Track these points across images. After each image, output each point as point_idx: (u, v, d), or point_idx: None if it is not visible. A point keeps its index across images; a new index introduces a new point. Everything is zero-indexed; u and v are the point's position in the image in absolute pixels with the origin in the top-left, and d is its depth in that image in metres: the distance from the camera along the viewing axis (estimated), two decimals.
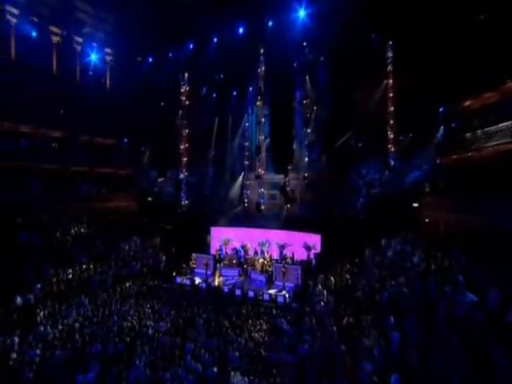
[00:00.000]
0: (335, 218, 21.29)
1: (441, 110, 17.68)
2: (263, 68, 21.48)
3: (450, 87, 15.08)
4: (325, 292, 14.33)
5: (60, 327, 12.09)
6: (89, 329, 11.87)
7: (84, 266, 17.42)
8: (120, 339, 11.07)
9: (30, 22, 25.28)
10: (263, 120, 21.11)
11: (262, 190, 21.70)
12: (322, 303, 13.21)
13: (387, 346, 8.92)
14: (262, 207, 20.91)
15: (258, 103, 21.72)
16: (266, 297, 15.99)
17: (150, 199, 26.69)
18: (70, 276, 16.53)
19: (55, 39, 27.34)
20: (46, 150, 22.94)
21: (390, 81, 20.75)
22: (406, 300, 10.45)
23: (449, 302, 8.84)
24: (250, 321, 12.67)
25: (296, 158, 23.00)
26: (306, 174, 22.16)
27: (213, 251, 22.77)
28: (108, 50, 29.75)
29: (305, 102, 22.16)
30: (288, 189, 20.16)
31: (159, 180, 27.76)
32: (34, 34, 25.51)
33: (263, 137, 20.83)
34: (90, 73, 28.16)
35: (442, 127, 17.70)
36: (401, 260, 13.84)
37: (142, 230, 22.52)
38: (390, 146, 20.68)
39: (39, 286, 15.23)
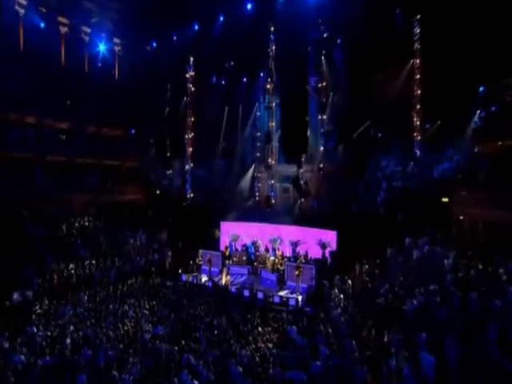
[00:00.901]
0: (352, 214, 19.51)
1: (480, 90, 15.34)
2: (274, 47, 19.51)
3: (490, 64, 12.84)
4: (341, 296, 12.67)
5: (52, 328, 11.02)
6: (82, 331, 10.73)
7: (87, 262, 16.43)
8: (112, 345, 9.84)
9: (38, 12, 24.52)
10: (274, 105, 19.12)
11: (273, 181, 19.90)
12: (339, 310, 11.55)
13: (419, 370, 7.23)
14: (273, 201, 19.21)
15: (269, 86, 19.79)
16: (277, 299, 14.50)
17: (158, 192, 25.56)
18: (72, 271, 15.56)
19: (63, 30, 26.54)
20: (52, 142, 22.12)
21: (417, 60, 18.39)
22: (442, 313, 8.66)
23: (500, 319, 7.03)
24: (258, 328, 11.19)
25: (310, 148, 21.07)
26: (322, 165, 20.20)
27: (222, 247, 21.41)
28: (117, 41, 28.74)
29: (320, 85, 20.07)
30: (301, 181, 18.35)
31: (168, 172, 26.59)
32: (42, 24, 24.76)
33: (273, 123, 18.97)
34: (99, 64, 27.31)
35: (479, 111, 15.41)
36: (430, 263, 11.97)
37: (148, 224, 21.40)
38: (415, 134, 18.35)
39: (39, 281, 14.37)
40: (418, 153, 18.20)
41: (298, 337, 10.55)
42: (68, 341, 10.07)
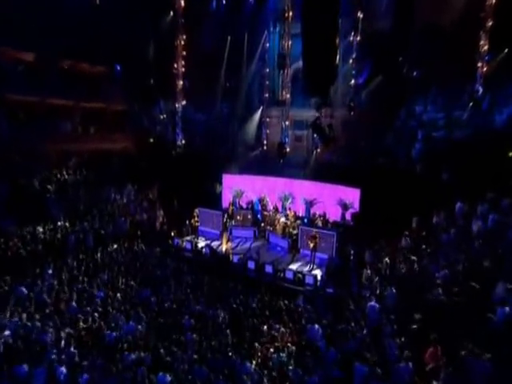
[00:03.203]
0: (380, 168, 15.49)
1: None
2: None
3: None
4: (377, 280, 9.19)
5: None
6: (27, 328, 7.54)
7: (59, 223, 13.04)
8: (61, 355, 6.66)
9: None
10: (291, 14, 13.53)
11: (287, 123, 15.24)
12: (376, 304, 8.11)
13: None
14: (287, 149, 14.92)
15: None
16: (290, 275, 11.15)
17: (151, 140, 21.35)
18: (41, 236, 12.22)
19: None
20: (15, 78, 17.37)
21: None
22: None
23: None
24: (265, 325, 7.90)
25: (335, 85, 16.00)
26: (352, 104, 15.37)
27: (225, 204, 17.85)
28: None
29: None
30: (324, 124, 13.93)
31: (162, 117, 22.05)
32: None
33: (290, 42, 13.70)
34: None
35: None
36: (508, 240, 8.20)
37: (138, 177, 17.66)
38: (479, 64, 13.07)
39: None
40: (481, 90, 13.22)
41: (323, 342, 7.28)
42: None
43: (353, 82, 15.20)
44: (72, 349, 6.70)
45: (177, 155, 18.30)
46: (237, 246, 14.05)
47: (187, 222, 15.60)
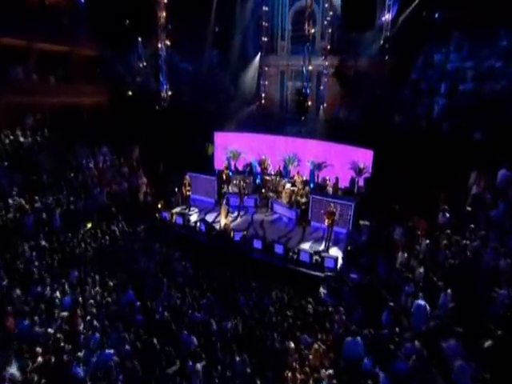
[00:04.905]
0: (396, 128, 12.84)
1: None
2: None
3: None
4: (421, 271, 7.03)
5: None
6: None
7: (12, 201, 9.84)
8: None
9: None
10: None
11: (310, 68, 11.55)
12: (423, 302, 6.03)
13: None
14: (309, 103, 11.60)
15: None
16: (305, 257, 8.89)
17: (129, 93, 17.30)
18: None
19: None
20: None
21: None
22: None
23: None
24: (289, 339, 5.71)
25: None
26: (387, 46, 11.78)
27: (218, 166, 14.92)
28: None
29: None
30: (349, 72, 10.68)
31: (141, 65, 17.73)
32: None
33: None
34: None
35: None
36: None
37: (115, 138, 14.18)
38: None
39: None
40: None
41: (370, 363, 5.21)
42: None
43: (386, 16, 11.47)
44: None
45: (161, 110, 14.71)
46: (236, 219, 11.57)
47: (176, 190, 12.77)
